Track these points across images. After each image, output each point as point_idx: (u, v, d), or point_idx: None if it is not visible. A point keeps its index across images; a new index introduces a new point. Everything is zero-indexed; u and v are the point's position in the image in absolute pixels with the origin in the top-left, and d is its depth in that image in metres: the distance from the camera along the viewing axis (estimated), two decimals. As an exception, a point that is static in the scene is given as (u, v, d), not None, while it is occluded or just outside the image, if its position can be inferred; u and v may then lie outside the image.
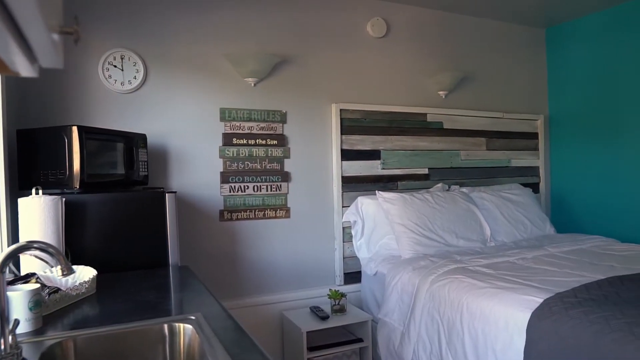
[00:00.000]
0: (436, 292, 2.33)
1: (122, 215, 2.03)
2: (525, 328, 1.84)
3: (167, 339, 1.25)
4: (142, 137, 2.38)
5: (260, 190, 2.93)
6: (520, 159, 3.91)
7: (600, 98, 3.73)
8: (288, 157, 3.01)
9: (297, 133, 3.04)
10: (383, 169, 3.28)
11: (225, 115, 2.84)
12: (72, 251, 1.86)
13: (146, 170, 2.40)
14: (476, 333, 2.06)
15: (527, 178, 3.94)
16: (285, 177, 2.99)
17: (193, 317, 1.30)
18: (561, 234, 3.46)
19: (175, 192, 2.17)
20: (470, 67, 3.70)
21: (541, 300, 1.89)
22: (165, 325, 1.25)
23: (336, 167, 3.11)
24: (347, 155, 3.16)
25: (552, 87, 4.13)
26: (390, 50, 3.38)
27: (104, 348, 1.20)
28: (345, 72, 3.22)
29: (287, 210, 3.00)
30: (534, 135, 4.00)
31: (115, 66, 2.56)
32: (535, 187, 3.96)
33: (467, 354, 2.10)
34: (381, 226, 3.01)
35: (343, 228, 3.14)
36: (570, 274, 2.31)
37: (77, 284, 1.51)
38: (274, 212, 2.96)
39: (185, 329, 1.25)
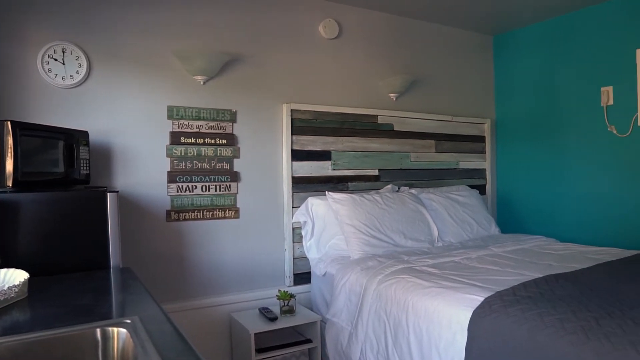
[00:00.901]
0: (383, 292, 2.35)
1: (60, 216, 1.95)
2: (467, 326, 1.88)
3: (100, 344, 1.20)
4: (84, 134, 2.29)
5: (209, 190, 2.88)
6: (468, 161, 4.02)
7: (543, 103, 3.88)
8: (238, 156, 2.97)
9: (247, 133, 3.01)
10: (334, 169, 3.29)
11: (173, 113, 2.78)
12: (3, 254, 1.77)
13: (88, 168, 2.31)
14: (421, 332, 2.10)
15: (475, 180, 4.05)
16: (235, 177, 2.95)
17: (129, 321, 1.25)
18: (505, 234, 3.58)
19: (117, 192, 2.10)
20: (420, 71, 3.77)
21: (482, 299, 1.94)
22: (98, 330, 1.20)
23: (286, 168, 3.10)
24: (298, 155, 3.15)
25: (498, 92, 4.27)
26: (342, 51, 3.40)
27: (31, 356, 1.14)
28: (297, 73, 3.21)
29: (237, 211, 2.96)
30: (481, 139, 4.12)
31: (56, 60, 2.46)
32: (482, 189, 4.08)
33: (412, 352, 2.13)
34: (331, 227, 3.02)
35: (293, 228, 3.13)
36: (511, 273, 2.39)
37: (5, 288, 1.43)
38: (222, 212, 2.92)
39: (119, 334, 1.21)
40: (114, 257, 2.06)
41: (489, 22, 3.91)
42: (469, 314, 1.89)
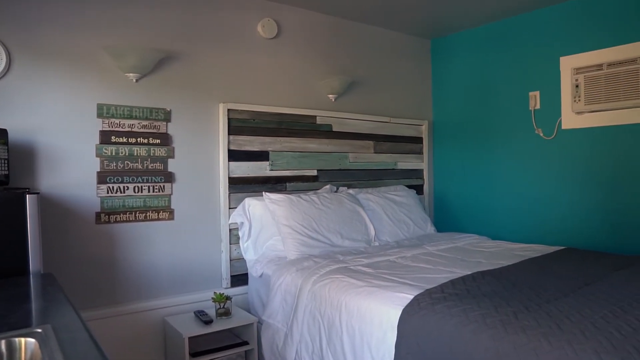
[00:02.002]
0: (318, 292, 2.36)
1: (-27, 219, 1.83)
2: (397, 324, 1.92)
3: (5, 356, 1.13)
4: (2, 132, 2.16)
5: (142, 191, 2.79)
6: (406, 162, 4.11)
7: (477, 106, 4.03)
8: (172, 157, 2.90)
9: (183, 132, 2.94)
10: (271, 170, 3.28)
11: (103, 111, 2.67)
12: None
13: (7, 169, 2.18)
14: (353, 331, 2.12)
15: (412, 180, 4.14)
16: (169, 177, 2.88)
17: (39, 330, 1.19)
18: (440, 233, 3.69)
19: (38, 193, 1.99)
20: (359, 72, 3.82)
21: (412, 297, 1.98)
22: (3, 342, 1.13)
23: (223, 168, 3.05)
24: (235, 155, 3.11)
25: (435, 94, 4.39)
26: (281, 51, 3.39)
27: None
28: (234, 72, 3.17)
29: (171, 212, 2.89)
30: (419, 140, 4.22)
31: (-29, 53, 2.31)
32: (419, 189, 4.18)
33: (345, 351, 2.15)
34: (268, 227, 3.00)
35: (230, 230, 3.08)
36: (442, 271, 2.45)
37: None
38: (156, 213, 2.83)
39: (27, 344, 1.14)
40: (34, 262, 1.96)
41: (427, 26, 4.01)
42: (399, 312, 1.93)
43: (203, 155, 3.02)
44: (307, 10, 3.50)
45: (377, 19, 3.77)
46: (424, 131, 4.24)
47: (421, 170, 4.23)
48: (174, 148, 2.90)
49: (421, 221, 3.62)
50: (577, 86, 3.29)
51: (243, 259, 3.09)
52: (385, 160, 3.94)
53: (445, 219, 4.27)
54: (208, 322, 2.65)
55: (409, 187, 3.97)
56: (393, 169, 4.01)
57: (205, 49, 3.04)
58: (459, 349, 1.69)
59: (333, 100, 3.62)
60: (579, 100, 3.28)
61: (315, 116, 3.50)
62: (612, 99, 3.12)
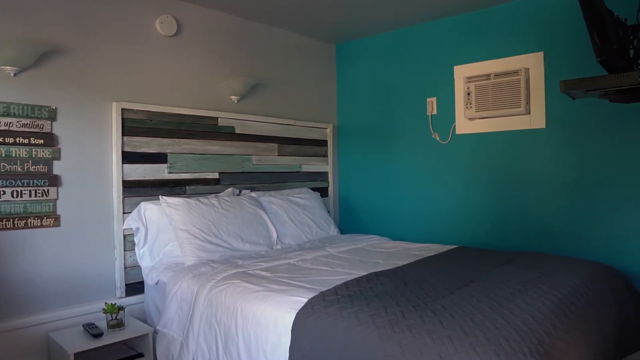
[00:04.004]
0: (214, 298, 2.29)
1: None
2: (291, 328, 1.90)
3: None
4: None
5: (22, 196, 2.56)
6: (311, 165, 4.14)
7: (379, 111, 4.15)
8: (58, 158, 2.69)
9: (71, 132, 2.74)
10: (170, 172, 3.15)
11: (-25, 108, 2.42)
12: None
13: None
14: (249, 336, 2.08)
15: (317, 183, 4.18)
16: (54, 181, 2.66)
17: None
18: (343, 235, 3.75)
19: None
20: (263, 74, 3.79)
21: (306, 300, 1.98)
22: None
23: (116, 171, 2.88)
24: (130, 158, 2.95)
25: (340, 98, 4.46)
26: (181, 50, 3.27)
27: None
28: (130, 70, 3.01)
29: (57, 219, 2.67)
30: (323, 143, 4.26)
31: None
32: (324, 192, 4.22)
33: (241, 358, 2.10)
34: (165, 233, 2.88)
35: (124, 236, 2.92)
36: (340, 273, 2.48)
37: None
38: (39, 220, 2.61)
39: None
40: None
41: (332, 31, 4.07)
42: (293, 316, 1.92)
43: (94, 157, 2.84)
44: (208, 9, 3.41)
45: (282, 21, 3.76)
46: (328, 134, 4.30)
47: (326, 173, 4.29)
48: (60, 149, 2.69)
49: (324, 223, 3.66)
50: (468, 94, 3.49)
51: (139, 266, 2.94)
52: (289, 162, 3.94)
53: (350, 221, 4.36)
54: (98, 336, 2.48)
55: (314, 189, 4.00)
56: (297, 172, 4.02)
57: (98, 44, 2.86)
58: (349, 351, 1.71)
59: (236, 101, 3.56)
60: (471, 107, 3.48)
61: (217, 118, 3.42)
62: (499, 107, 3.35)
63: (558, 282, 2.17)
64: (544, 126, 3.25)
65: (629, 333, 2.33)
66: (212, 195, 3.23)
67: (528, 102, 3.26)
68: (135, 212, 2.91)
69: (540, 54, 3.25)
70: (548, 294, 2.00)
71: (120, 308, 2.63)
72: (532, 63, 3.27)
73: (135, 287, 2.96)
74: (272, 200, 3.43)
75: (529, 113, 3.28)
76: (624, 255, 2.93)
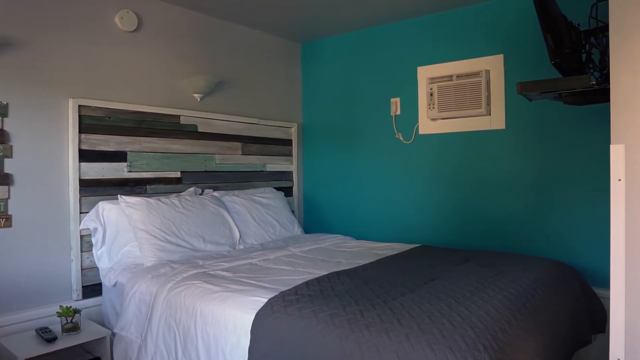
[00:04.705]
0: (173, 299, 2.25)
1: None
2: (250, 329, 1.89)
3: None
4: None
5: (-30, 196, 2.46)
6: (275, 164, 4.12)
7: (344, 110, 4.16)
8: (9, 156, 2.58)
9: (23, 129, 2.64)
10: (130, 171, 3.07)
11: None
12: None
13: None
14: (208, 338, 2.05)
15: (281, 182, 4.16)
16: (5, 179, 2.56)
17: None
18: (307, 235, 3.74)
19: None
20: (227, 72, 3.74)
21: (266, 300, 1.96)
22: None
23: (73, 169, 2.79)
24: (87, 156, 2.87)
25: (305, 98, 4.46)
26: (142, 46, 3.20)
27: None
28: (88, 65, 2.92)
29: (8, 219, 2.57)
30: (288, 142, 4.25)
31: None
32: (288, 191, 4.21)
33: (200, 359, 2.07)
34: (124, 233, 2.81)
35: (82, 236, 2.83)
36: (302, 272, 2.48)
37: None
38: (-11, 220, 2.51)
39: None
40: None
41: (297, 30, 4.05)
42: (252, 317, 1.90)
43: (49, 155, 2.75)
44: (171, 5, 3.35)
45: (246, 19, 3.73)
46: (293, 133, 4.28)
47: (290, 173, 4.27)
48: (11, 146, 2.59)
49: (288, 223, 3.65)
50: (431, 94, 3.53)
51: (97, 267, 2.86)
52: (253, 162, 3.91)
53: (315, 221, 4.36)
54: (51, 340, 2.40)
55: (278, 189, 3.98)
56: (262, 171, 3.99)
57: (53, 38, 2.77)
58: (309, 351, 1.70)
59: (199, 99, 3.51)
60: (433, 107, 3.53)
61: (179, 116, 3.36)
62: (460, 108, 3.40)
63: (514, 279, 2.22)
64: (504, 127, 3.32)
65: (581, 327, 2.40)
66: (174, 194, 3.17)
67: (489, 104, 3.33)
68: (92, 211, 2.83)
69: (501, 57, 3.32)
70: (504, 291, 2.04)
71: (76, 311, 2.55)
72: (493, 65, 3.34)
73: (93, 289, 2.88)
74: (235, 199, 3.39)
75: (490, 114, 3.35)
76: (579, 253, 3.03)
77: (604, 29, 2.20)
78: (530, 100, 2.72)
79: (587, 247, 3.01)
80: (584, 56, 2.35)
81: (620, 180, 1.48)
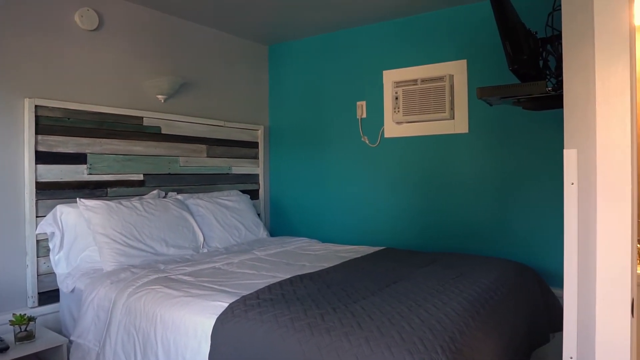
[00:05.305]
0: (132, 305, 2.20)
1: None
2: (211, 334, 1.86)
3: None
4: None
5: None
6: (241, 167, 4.08)
7: (311, 113, 4.16)
8: (-40, 158, 2.49)
9: (-24, 130, 2.55)
10: (90, 174, 3.00)
11: None
12: None
13: None
14: (168, 343, 2.02)
15: (247, 185, 4.13)
16: (-44, 182, 2.47)
17: None
18: (273, 238, 3.72)
19: None
20: (192, 74, 3.70)
21: (226, 305, 1.94)
22: None
23: (29, 172, 2.70)
24: (44, 158, 2.78)
25: (272, 100, 4.44)
26: (103, 46, 3.13)
27: None
28: (45, 64, 2.84)
29: (-42, 223, 2.48)
30: (254, 145, 4.22)
31: None
32: (254, 194, 4.18)
33: (160, 366, 2.03)
34: (83, 237, 2.74)
35: (38, 241, 2.75)
36: (265, 276, 2.46)
37: None
38: (-62, 225, 2.41)
39: None
40: None
41: (264, 32, 4.03)
42: (213, 322, 1.88)
43: (3, 156, 2.65)
44: (133, 4, 3.28)
45: (212, 20, 3.69)
46: (259, 136, 4.26)
47: (257, 175, 4.24)
48: (-37, 148, 2.50)
49: (253, 226, 3.62)
50: (396, 98, 3.57)
51: (54, 273, 2.77)
52: (219, 164, 3.87)
53: (281, 224, 4.34)
54: (3, 350, 2.31)
55: (244, 192, 3.95)
56: (227, 174, 3.95)
57: (9, 35, 2.67)
58: (269, 355, 1.69)
59: (162, 101, 3.45)
60: (398, 111, 3.57)
61: (142, 117, 3.30)
62: (425, 112, 3.45)
63: (474, 281, 2.26)
64: (467, 131, 3.38)
65: (539, 327, 2.46)
66: (136, 197, 3.11)
67: (452, 108, 3.39)
68: (50, 215, 2.74)
69: (464, 62, 3.38)
70: (464, 292, 2.07)
71: (31, 319, 2.47)
72: (457, 70, 3.40)
73: (49, 295, 2.79)
74: (200, 202, 3.35)
75: (453, 118, 3.40)
76: (538, 253, 3.11)
77: (559, 37, 2.26)
78: (491, 105, 2.78)
79: (545, 248, 3.09)
80: (541, 63, 2.41)
81: (573, 183, 1.52)
